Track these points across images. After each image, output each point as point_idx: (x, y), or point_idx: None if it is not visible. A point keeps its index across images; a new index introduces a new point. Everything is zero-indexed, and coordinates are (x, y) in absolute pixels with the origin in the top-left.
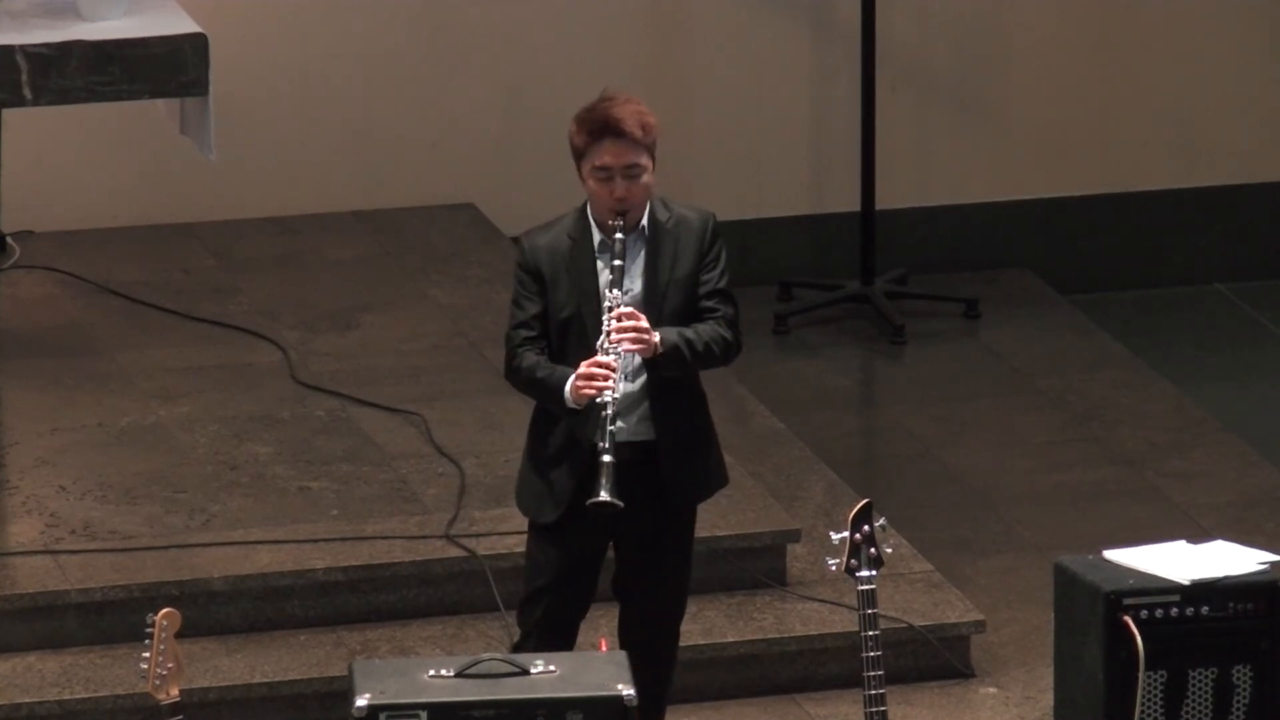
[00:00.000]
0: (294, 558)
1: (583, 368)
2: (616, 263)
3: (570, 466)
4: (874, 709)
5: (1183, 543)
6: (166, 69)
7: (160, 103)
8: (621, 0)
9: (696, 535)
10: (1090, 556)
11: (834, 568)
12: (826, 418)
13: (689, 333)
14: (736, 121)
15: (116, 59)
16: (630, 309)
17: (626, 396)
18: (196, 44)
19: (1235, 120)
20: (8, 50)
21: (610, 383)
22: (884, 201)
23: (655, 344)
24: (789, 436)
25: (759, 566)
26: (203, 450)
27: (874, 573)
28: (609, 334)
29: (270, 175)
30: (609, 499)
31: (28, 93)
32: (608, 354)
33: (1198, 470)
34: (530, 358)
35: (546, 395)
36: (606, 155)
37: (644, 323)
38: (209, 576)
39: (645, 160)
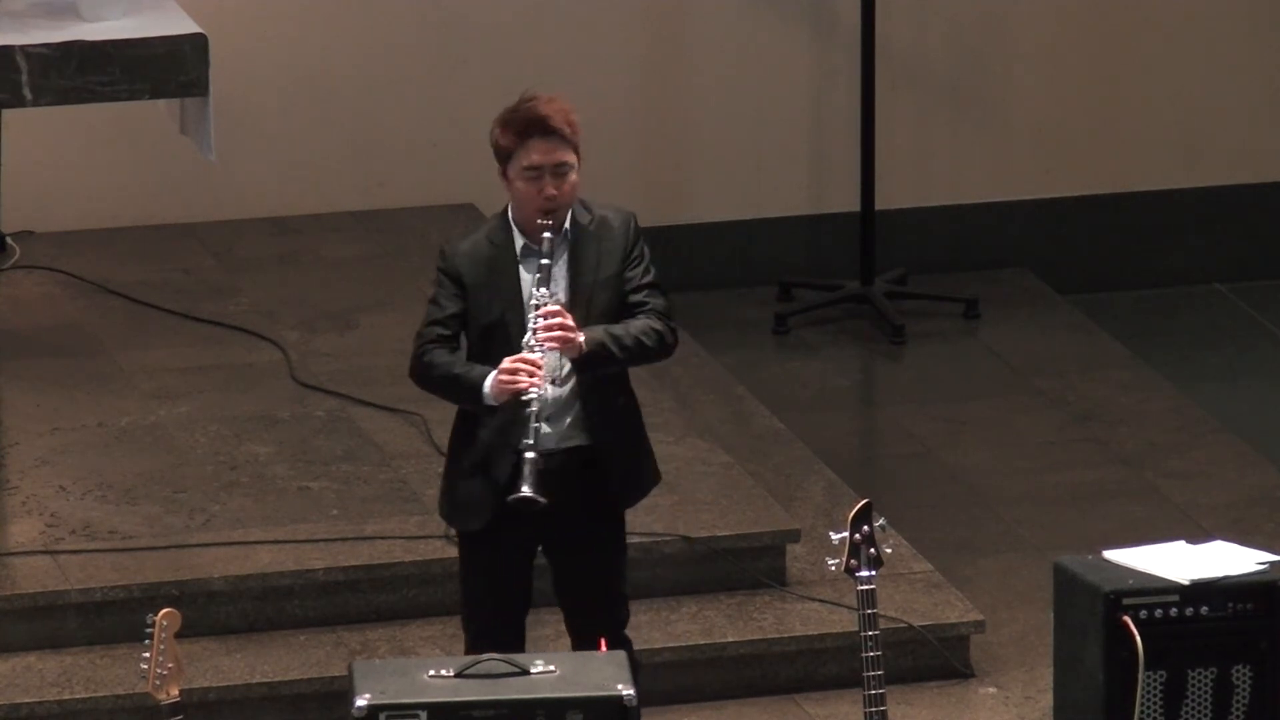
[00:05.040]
0: (294, 558)
1: (506, 363)
2: (544, 261)
3: (494, 473)
4: (874, 709)
5: (1182, 543)
6: (166, 69)
7: (160, 103)
8: (622, 1)
9: (696, 535)
10: (1090, 556)
11: (834, 568)
12: (826, 418)
13: (616, 329)
14: (736, 121)
15: (116, 59)
16: (557, 307)
17: (555, 401)
18: (196, 44)
19: (1235, 120)
20: (8, 50)
21: (536, 379)
22: (884, 201)
23: (580, 343)
24: (789, 436)
25: (759, 566)
26: (203, 450)
27: (874, 573)
28: (534, 331)
29: (270, 175)
30: (531, 495)
31: (28, 93)
32: (533, 351)
33: (1197, 470)
34: (443, 355)
35: (463, 391)
36: (535, 154)
37: (569, 321)
38: (209, 576)
39: (573, 158)
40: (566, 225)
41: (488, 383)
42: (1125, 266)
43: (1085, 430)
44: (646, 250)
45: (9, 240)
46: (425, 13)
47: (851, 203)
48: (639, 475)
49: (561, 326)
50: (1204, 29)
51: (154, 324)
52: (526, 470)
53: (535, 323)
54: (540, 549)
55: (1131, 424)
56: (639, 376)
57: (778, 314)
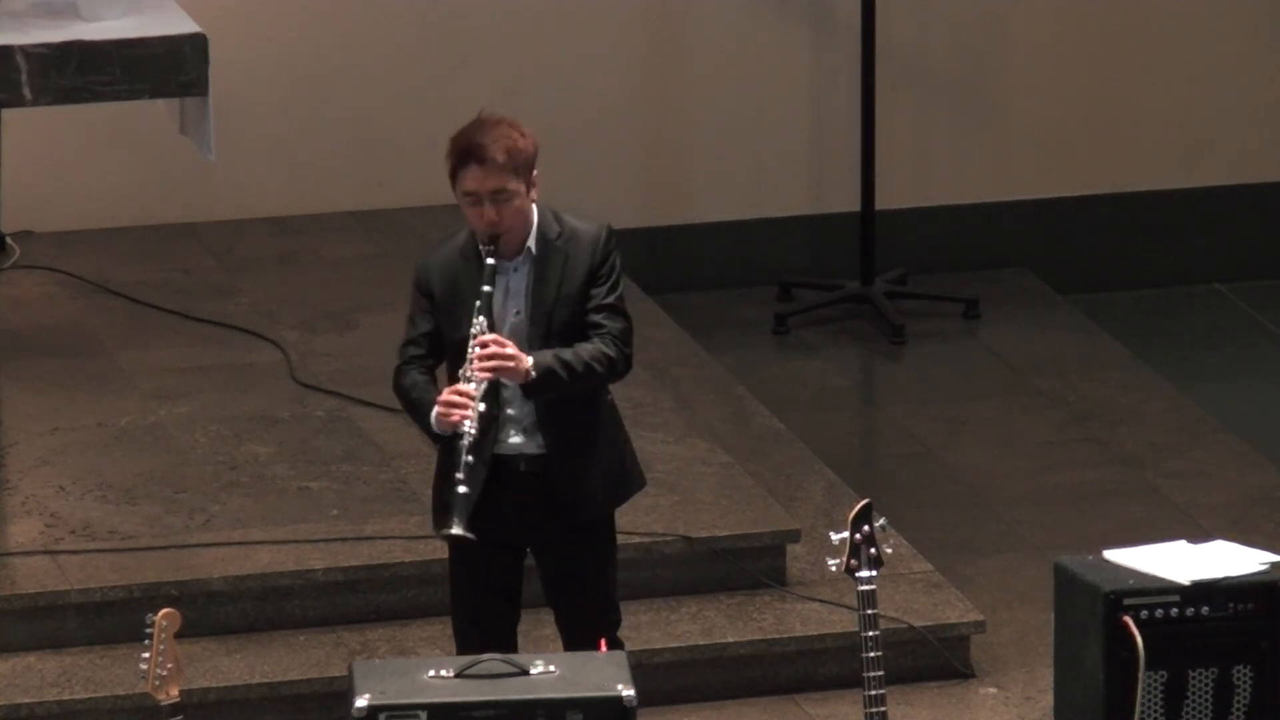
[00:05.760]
0: (294, 558)
1: (444, 394)
2: (486, 289)
3: (470, 483)
4: (874, 709)
5: (1183, 543)
6: (166, 69)
7: (160, 103)
8: (622, 1)
9: (696, 535)
10: (1090, 556)
11: (834, 568)
12: (826, 418)
13: (566, 354)
14: (736, 121)
15: (116, 59)
16: (495, 336)
17: (529, 413)
18: (196, 44)
19: (1235, 120)
20: (8, 50)
21: (469, 412)
22: (884, 201)
23: (526, 369)
24: (789, 436)
25: (759, 566)
26: (203, 450)
27: (874, 573)
28: (471, 362)
29: (270, 175)
30: (460, 533)
31: (28, 93)
32: (469, 382)
33: (1198, 470)
34: (412, 376)
35: (418, 417)
36: (471, 181)
37: (509, 349)
38: (209, 576)
39: (514, 184)
40: (531, 242)
41: (433, 413)
42: (1125, 266)
43: (1085, 430)
44: (617, 265)
45: (9, 240)
46: (425, 13)
47: (851, 203)
48: (603, 483)
49: (498, 356)
50: (1204, 29)
51: (154, 324)
52: (455, 507)
53: (473, 351)
54: (530, 551)
55: (1131, 424)
56: (637, 378)
57: (778, 314)
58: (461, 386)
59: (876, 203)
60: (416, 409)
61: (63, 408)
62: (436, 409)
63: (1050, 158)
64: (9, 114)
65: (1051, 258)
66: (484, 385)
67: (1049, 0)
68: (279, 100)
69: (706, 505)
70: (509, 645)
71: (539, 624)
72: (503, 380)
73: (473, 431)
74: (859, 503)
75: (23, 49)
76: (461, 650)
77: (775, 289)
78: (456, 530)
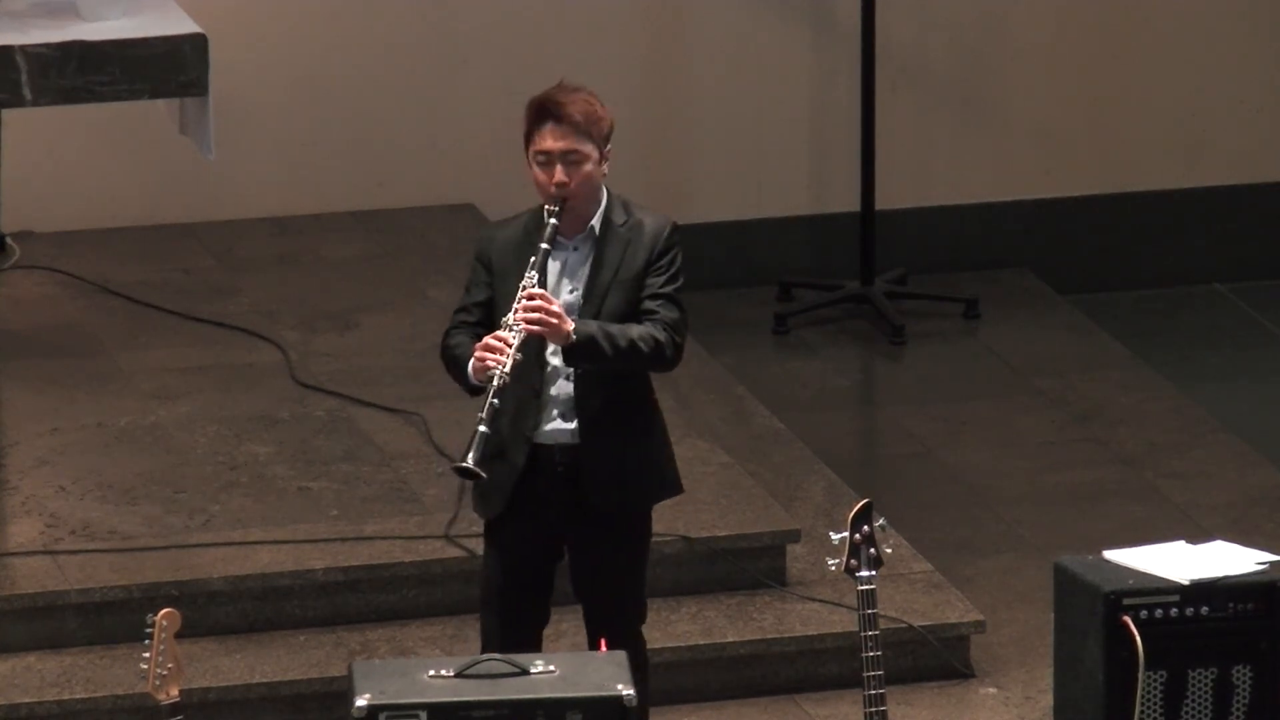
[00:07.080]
0: (294, 558)
1: (483, 340)
2: (543, 246)
3: (510, 460)
4: (874, 709)
5: (1182, 543)
6: (166, 69)
7: (160, 103)
8: (622, 1)
9: (696, 535)
10: (1090, 557)
11: (834, 568)
12: (826, 418)
13: (612, 327)
14: (736, 122)
15: (116, 59)
16: (544, 291)
17: (570, 400)
18: (196, 44)
19: (1235, 120)
20: (8, 50)
21: (504, 357)
22: (884, 201)
23: (567, 330)
24: (789, 436)
25: (759, 566)
26: (203, 450)
27: (874, 573)
28: (516, 310)
29: (270, 175)
30: (469, 466)
31: (28, 93)
32: (510, 330)
33: (1198, 470)
34: (457, 337)
35: (459, 372)
36: (547, 139)
37: (554, 306)
38: (209, 576)
39: (588, 149)
40: (595, 223)
41: (471, 362)
42: (1125, 266)
43: (1085, 430)
44: (677, 260)
45: (9, 240)
46: (425, 13)
47: (851, 203)
48: (635, 479)
49: (543, 309)
50: (1204, 29)
51: (154, 324)
52: (472, 442)
53: (519, 302)
54: (566, 548)
55: (1131, 424)
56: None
57: (778, 314)
58: (500, 333)
59: (876, 203)
60: (457, 364)
61: (63, 408)
62: (475, 354)
63: (1050, 158)
64: (9, 114)
65: (1051, 258)
66: (523, 335)
67: (1049, 0)
68: (279, 100)
69: (706, 505)
70: (534, 645)
71: None
72: (545, 338)
73: (505, 374)
74: (859, 503)
75: (23, 49)
76: (485, 647)
77: (775, 289)
78: (469, 464)
